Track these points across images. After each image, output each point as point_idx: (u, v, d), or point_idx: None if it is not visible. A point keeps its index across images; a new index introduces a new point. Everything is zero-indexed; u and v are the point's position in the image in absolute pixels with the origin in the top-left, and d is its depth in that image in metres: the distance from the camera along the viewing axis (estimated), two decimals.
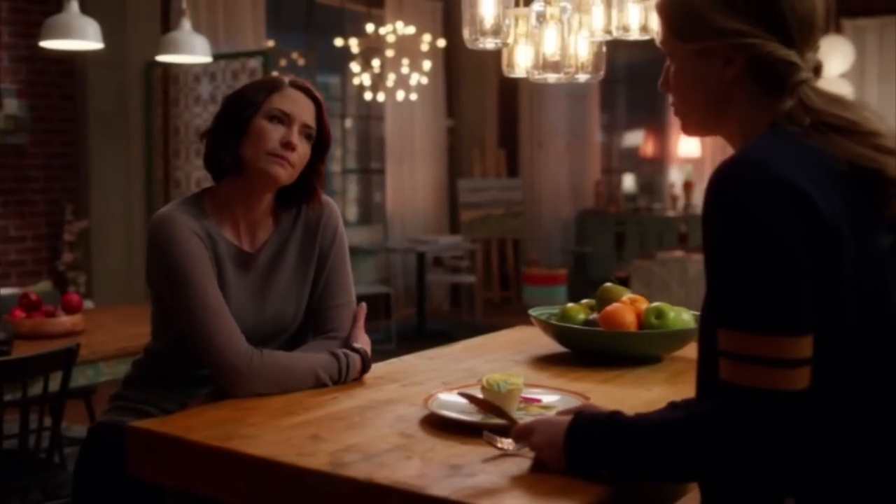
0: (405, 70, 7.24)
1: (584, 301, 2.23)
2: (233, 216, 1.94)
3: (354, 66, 7.19)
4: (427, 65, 7.30)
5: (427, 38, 7.23)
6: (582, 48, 2.54)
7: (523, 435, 1.41)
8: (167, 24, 5.82)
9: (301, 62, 7.55)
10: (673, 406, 1.41)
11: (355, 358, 1.90)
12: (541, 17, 2.42)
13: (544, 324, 2.15)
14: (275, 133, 1.88)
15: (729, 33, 1.31)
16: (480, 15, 2.34)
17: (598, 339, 2.04)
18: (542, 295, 8.25)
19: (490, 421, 1.54)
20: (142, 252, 2.06)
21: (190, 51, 4.27)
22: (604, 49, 2.60)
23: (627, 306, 2.07)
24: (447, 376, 1.95)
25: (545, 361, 2.11)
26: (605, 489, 1.29)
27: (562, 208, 9.26)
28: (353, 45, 7.06)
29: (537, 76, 2.46)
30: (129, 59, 5.79)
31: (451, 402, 1.65)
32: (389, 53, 7.21)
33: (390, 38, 7.01)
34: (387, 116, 8.00)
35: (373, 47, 7.24)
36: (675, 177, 9.28)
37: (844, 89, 8.34)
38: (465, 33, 2.35)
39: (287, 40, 7.43)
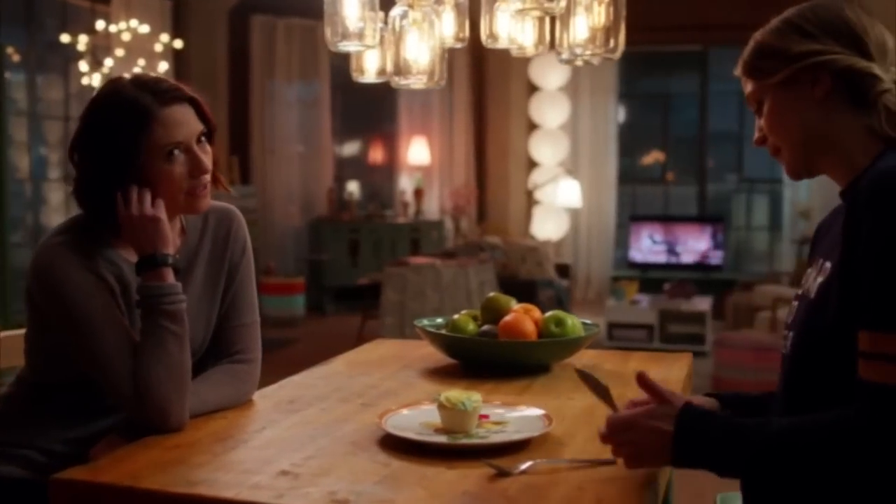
0: (138, 71, 6.81)
1: (466, 311, 2.20)
2: None
3: (83, 65, 6.66)
4: (164, 66, 6.91)
5: (164, 38, 6.85)
6: (423, 55, 2.51)
7: (619, 429, 1.35)
8: None
9: (15, 58, 6.88)
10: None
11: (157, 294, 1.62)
12: (403, 21, 2.36)
13: (434, 335, 2.10)
14: (179, 168, 1.65)
15: (809, 54, 1.39)
16: (343, 16, 2.25)
17: (500, 349, 2.02)
18: (280, 304, 8.08)
19: (458, 441, 1.49)
20: None
21: None
22: (446, 56, 2.58)
23: (524, 315, 2.06)
24: (360, 395, 1.85)
25: (438, 374, 2.06)
26: None
27: (295, 216, 9.13)
28: (82, 42, 6.53)
29: (401, 82, 2.39)
30: None
31: (407, 422, 1.58)
32: (120, 53, 6.75)
33: (125, 37, 6.56)
34: None
35: (102, 45, 6.74)
36: (406, 184, 9.45)
37: None
38: (328, 35, 2.26)
39: (2, 34, 6.73)
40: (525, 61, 8.77)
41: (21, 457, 1.68)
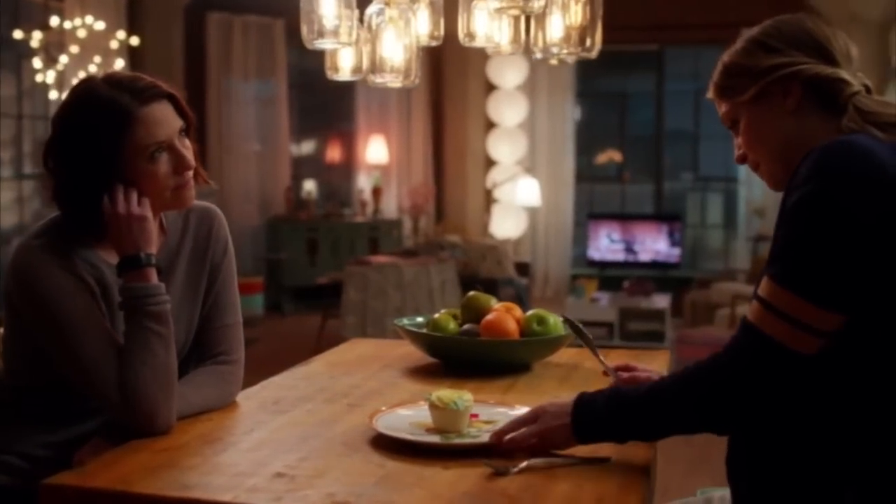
0: (94, 68, 6.70)
1: (446, 311, 2.19)
2: None
3: (36, 62, 6.53)
4: (120, 63, 6.80)
5: (121, 35, 6.73)
6: (399, 53, 2.50)
7: (529, 421, 1.45)
8: None
9: None
10: None
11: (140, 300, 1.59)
12: (380, 19, 2.35)
13: (417, 335, 2.09)
14: (163, 167, 1.62)
15: (777, 67, 1.43)
16: (319, 14, 2.23)
17: (483, 348, 2.02)
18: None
19: (451, 441, 1.49)
20: None
21: None
22: (420, 54, 2.58)
23: (505, 314, 2.06)
24: (345, 395, 1.83)
25: (420, 373, 2.05)
26: None
27: (252, 215, 9.05)
28: (35, 38, 6.41)
29: (377, 80, 2.38)
30: None
31: (398, 422, 1.58)
32: (74, 50, 6.63)
33: (81, 34, 6.45)
34: None
35: (56, 42, 6.62)
36: (364, 183, 9.41)
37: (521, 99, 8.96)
38: (304, 32, 2.23)
39: None
40: (483, 60, 8.78)
41: (3, 463, 1.64)
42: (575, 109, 9.40)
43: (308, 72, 9.21)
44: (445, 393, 1.55)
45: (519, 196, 8.76)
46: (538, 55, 2.51)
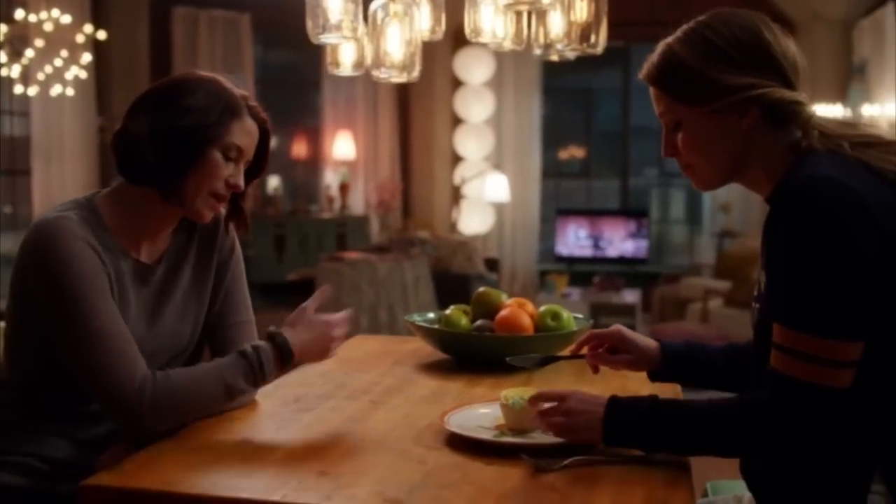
0: (59, 63, 6.58)
1: (456, 306, 2.19)
2: (136, 227, 1.66)
3: (1, 56, 6.40)
4: (87, 58, 6.68)
5: (88, 29, 6.62)
6: (403, 48, 2.48)
7: (556, 397, 1.46)
8: None
9: None
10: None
11: (267, 349, 1.62)
12: (384, 13, 2.34)
13: (431, 331, 2.09)
14: (224, 171, 1.65)
15: (741, 88, 1.41)
16: (324, 8, 2.22)
17: (500, 344, 2.02)
18: None
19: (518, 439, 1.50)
20: None
21: None
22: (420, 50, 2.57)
23: (519, 309, 2.07)
24: (365, 392, 1.82)
25: (434, 369, 2.05)
26: None
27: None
28: (0, 32, 6.28)
29: (381, 75, 2.37)
30: None
31: (467, 420, 1.57)
32: (40, 44, 6.51)
33: (47, 27, 6.33)
34: (33, 113, 7.23)
35: (21, 36, 6.49)
36: (331, 179, 9.36)
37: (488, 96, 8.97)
38: (309, 27, 2.22)
39: None
40: (450, 56, 8.78)
41: (20, 464, 1.61)
42: (542, 105, 9.43)
43: (274, 67, 9.15)
44: (512, 392, 1.56)
45: (487, 192, 8.77)
46: (538, 52, 2.52)
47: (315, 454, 1.44)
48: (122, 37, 7.74)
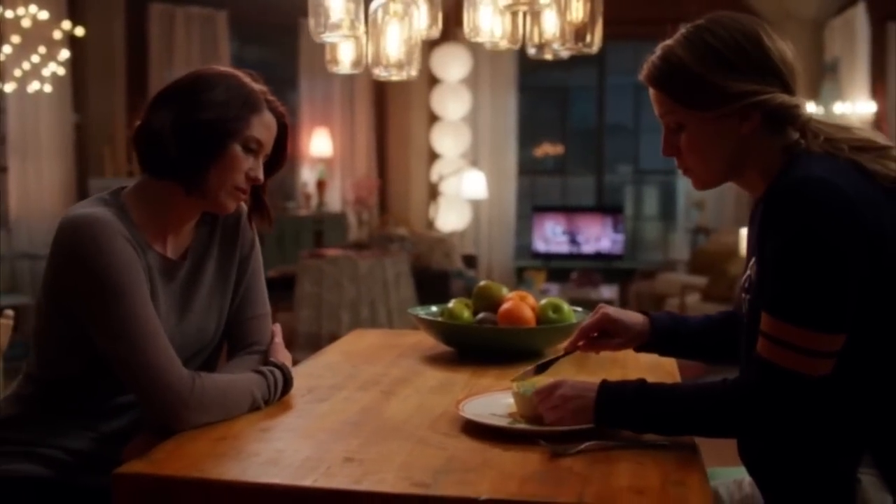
0: (37, 59, 6.55)
1: (458, 300, 2.24)
2: (160, 222, 1.69)
3: None
4: (65, 54, 6.65)
5: (66, 25, 6.58)
6: (403, 46, 2.53)
7: (550, 389, 1.52)
8: None
9: None
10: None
11: (279, 374, 1.74)
12: (385, 12, 2.38)
13: (436, 324, 2.14)
14: (244, 164, 1.69)
15: (745, 95, 1.47)
16: (326, 7, 2.25)
17: (504, 336, 2.07)
18: None
19: (516, 426, 1.55)
20: None
21: None
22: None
23: (521, 302, 2.12)
24: (375, 383, 1.87)
25: (439, 361, 2.10)
26: None
27: None
28: None
29: (381, 73, 2.41)
30: None
31: (480, 408, 1.62)
32: (16, 40, 6.47)
33: (25, 23, 6.29)
34: (9, 109, 7.18)
35: None
36: (308, 176, 9.37)
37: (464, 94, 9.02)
38: (311, 25, 2.26)
39: None
40: (426, 53, 8.81)
41: (44, 456, 1.64)
42: (518, 103, 9.49)
43: (250, 64, 9.12)
44: (524, 382, 1.61)
45: (464, 189, 8.82)
46: (533, 51, 2.58)
47: (337, 442, 1.48)
48: (98, 33, 7.70)
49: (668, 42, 1.55)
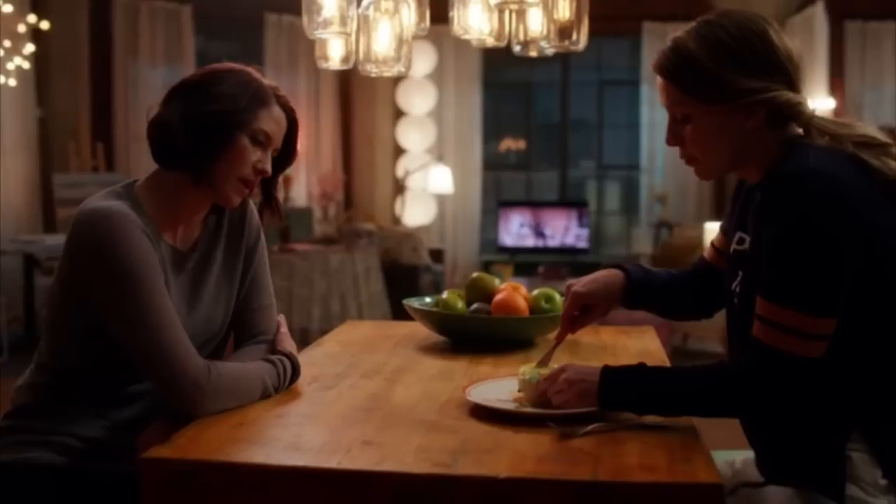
0: (1, 53, 6.49)
1: (452, 291, 2.30)
2: (171, 214, 1.73)
3: None
4: (30, 48, 6.60)
5: (32, 19, 6.53)
6: (394, 43, 2.57)
7: (556, 374, 1.58)
8: None
9: None
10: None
11: (288, 363, 1.79)
12: (375, 9, 2.42)
13: (431, 314, 2.19)
14: (252, 156, 1.72)
15: (753, 91, 1.54)
16: (320, 4, 2.29)
17: (499, 326, 2.13)
18: None
19: (539, 409, 1.60)
20: None
21: None
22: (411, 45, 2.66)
23: (514, 293, 2.18)
24: (377, 371, 1.92)
25: (436, 350, 2.15)
26: None
27: None
28: None
29: (372, 70, 2.45)
30: None
31: (486, 393, 1.68)
32: None
33: None
34: None
35: None
36: None
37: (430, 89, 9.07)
38: (304, 22, 2.30)
39: None
40: None
41: (58, 444, 1.67)
42: (482, 99, 9.56)
43: (215, 58, 9.06)
44: (530, 368, 1.68)
45: (431, 184, 8.87)
46: (518, 48, 2.64)
47: (353, 427, 1.53)
48: (62, 27, 7.63)
49: (680, 34, 1.61)
